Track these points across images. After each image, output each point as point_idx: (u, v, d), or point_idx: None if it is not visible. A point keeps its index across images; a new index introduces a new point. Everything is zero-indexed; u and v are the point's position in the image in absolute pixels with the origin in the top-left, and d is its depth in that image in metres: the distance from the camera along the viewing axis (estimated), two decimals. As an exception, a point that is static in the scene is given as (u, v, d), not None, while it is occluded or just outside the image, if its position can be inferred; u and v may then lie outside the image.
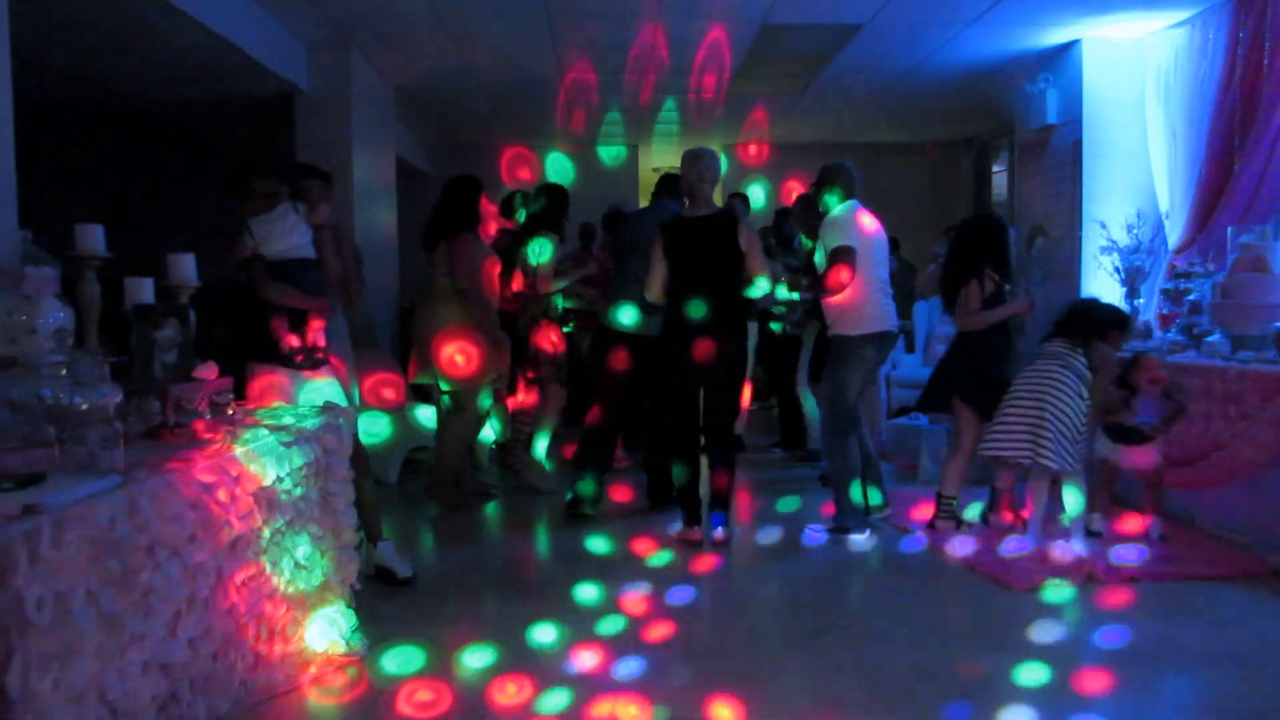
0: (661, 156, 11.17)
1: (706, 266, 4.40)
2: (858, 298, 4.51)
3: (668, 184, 5.52)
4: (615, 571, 4.09)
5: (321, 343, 3.85)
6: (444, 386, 5.15)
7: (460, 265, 4.94)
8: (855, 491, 4.56)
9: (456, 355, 5.00)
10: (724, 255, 4.41)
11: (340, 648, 3.07)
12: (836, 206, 4.62)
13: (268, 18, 5.82)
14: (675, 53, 6.72)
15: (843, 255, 4.45)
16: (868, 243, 4.55)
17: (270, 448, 2.75)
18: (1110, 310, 4.45)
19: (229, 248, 3.84)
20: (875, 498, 4.81)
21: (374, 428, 5.69)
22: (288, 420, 3.02)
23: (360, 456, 3.44)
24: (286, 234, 3.85)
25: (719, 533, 4.43)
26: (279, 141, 6.65)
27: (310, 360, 3.80)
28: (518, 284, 5.51)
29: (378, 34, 6.21)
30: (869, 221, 4.62)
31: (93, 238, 2.92)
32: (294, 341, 3.74)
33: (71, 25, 5.22)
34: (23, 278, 2.61)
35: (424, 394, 6.42)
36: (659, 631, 3.37)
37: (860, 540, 4.48)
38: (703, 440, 4.59)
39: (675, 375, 4.50)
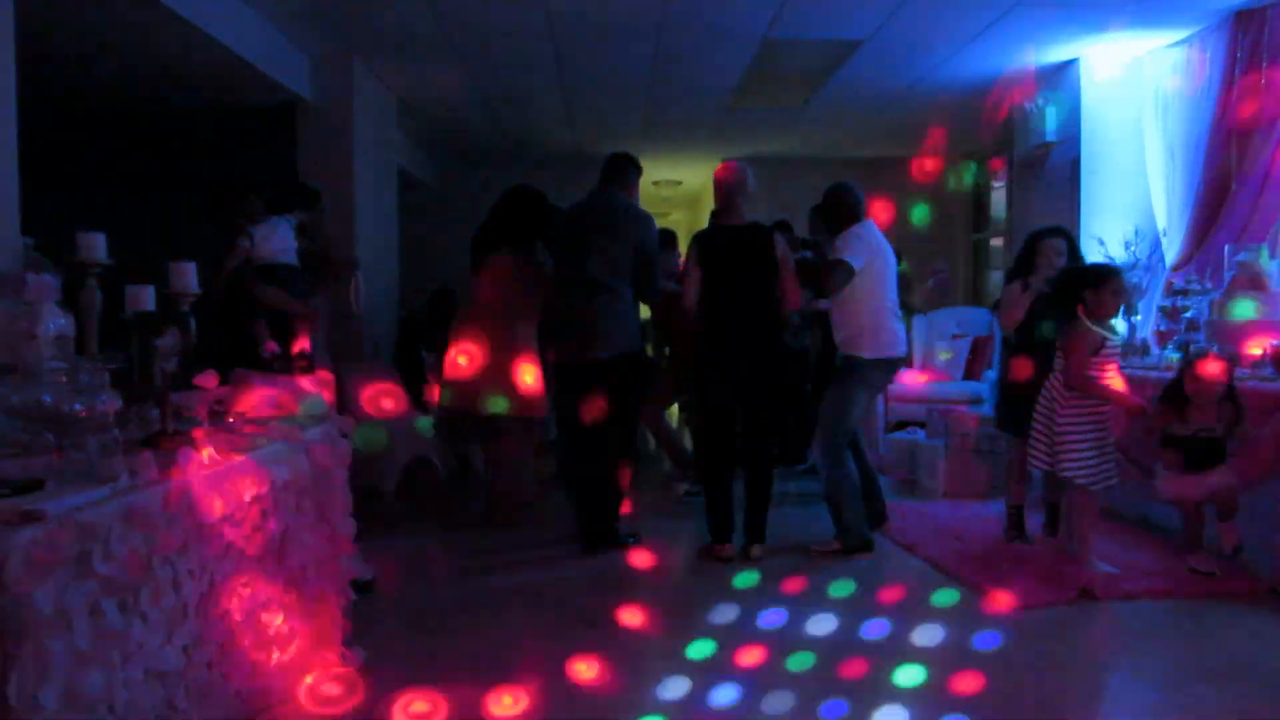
0: (663, 170, 11.20)
1: (742, 278, 4.36)
2: (872, 320, 4.46)
3: (617, 169, 4.69)
4: (612, 586, 4.10)
5: (306, 349, 3.91)
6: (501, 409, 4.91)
7: (542, 277, 4.84)
8: (855, 510, 4.51)
9: (528, 377, 4.89)
10: (760, 267, 4.38)
11: (336, 658, 3.07)
12: (846, 227, 4.57)
13: (272, 29, 5.85)
14: (677, 67, 6.76)
15: (838, 267, 4.43)
16: (877, 263, 4.49)
17: (268, 456, 2.75)
18: (1087, 269, 4.15)
19: (223, 253, 3.92)
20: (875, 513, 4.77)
21: (372, 437, 5.68)
22: (286, 429, 3.01)
23: None
24: (281, 239, 4.00)
25: (756, 550, 4.40)
26: (281, 151, 6.68)
27: (287, 366, 3.86)
28: None
29: (381, 45, 6.24)
30: (882, 242, 4.56)
31: (94, 245, 2.93)
32: (273, 347, 3.82)
33: (77, 34, 5.25)
34: (24, 284, 2.62)
35: (423, 406, 6.42)
36: (655, 646, 3.36)
37: (861, 557, 4.47)
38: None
39: (708, 388, 4.46)
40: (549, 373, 4.91)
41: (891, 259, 4.63)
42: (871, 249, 4.48)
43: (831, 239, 4.65)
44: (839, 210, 4.59)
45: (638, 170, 4.74)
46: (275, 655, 2.80)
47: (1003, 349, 4.66)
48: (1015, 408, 4.42)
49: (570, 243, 4.57)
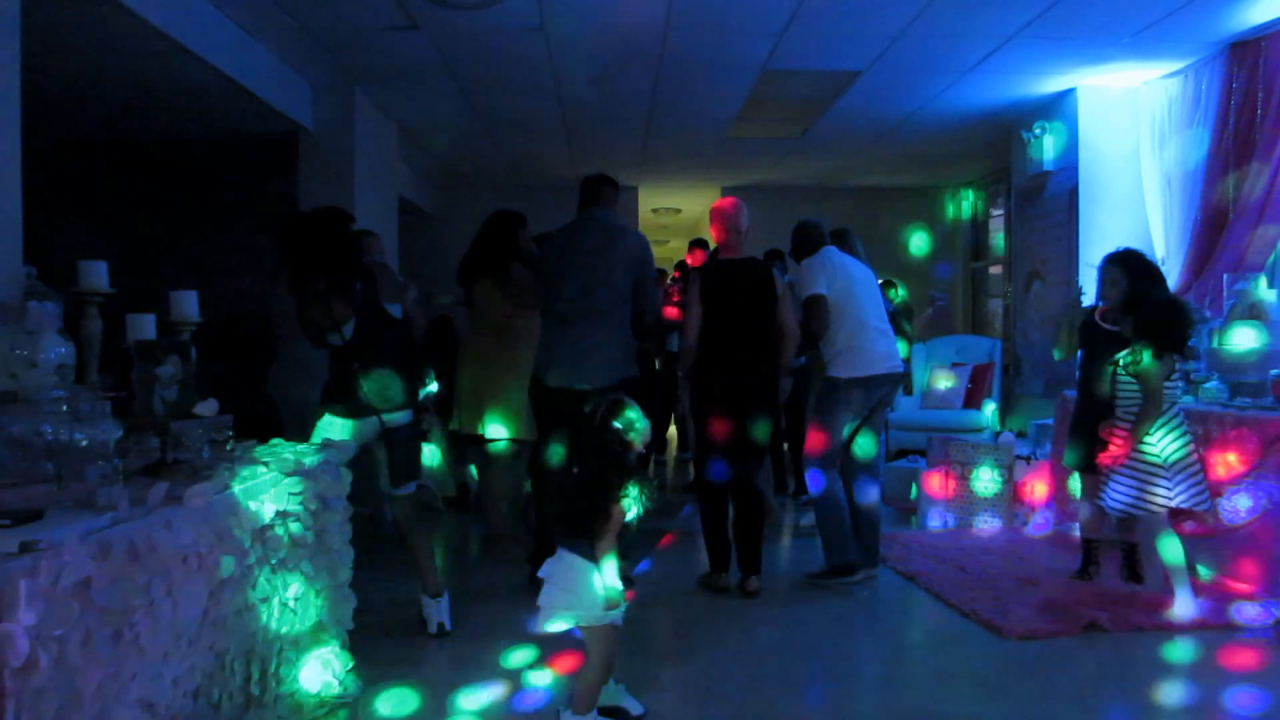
0: (661, 198, 11.26)
1: (743, 311, 4.35)
2: (847, 339, 4.45)
3: (596, 190, 4.48)
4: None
5: None
6: (512, 434, 4.95)
7: (526, 298, 4.76)
8: (839, 532, 4.43)
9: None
10: (761, 300, 4.38)
11: (334, 689, 3.03)
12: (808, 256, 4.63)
13: (275, 59, 5.89)
14: (676, 97, 6.81)
15: (811, 304, 4.44)
16: (846, 284, 4.50)
17: (267, 485, 2.74)
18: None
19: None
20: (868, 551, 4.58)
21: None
22: (286, 458, 3.00)
23: None
24: None
25: (752, 583, 4.31)
26: (283, 179, 6.71)
27: None
28: None
29: (382, 75, 6.28)
30: (845, 264, 4.60)
31: (96, 274, 2.94)
32: None
33: (81, 64, 5.28)
34: (25, 313, 2.62)
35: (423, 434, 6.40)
36: (657, 674, 3.33)
37: (853, 585, 4.42)
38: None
39: (706, 421, 4.40)
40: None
41: (862, 275, 4.64)
42: (830, 271, 4.52)
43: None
44: (798, 246, 4.73)
45: (615, 188, 4.56)
46: (272, 687, 2.77)
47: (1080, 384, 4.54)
48: (1087, 443, 4.32)
49: (561, 267, 4.35)
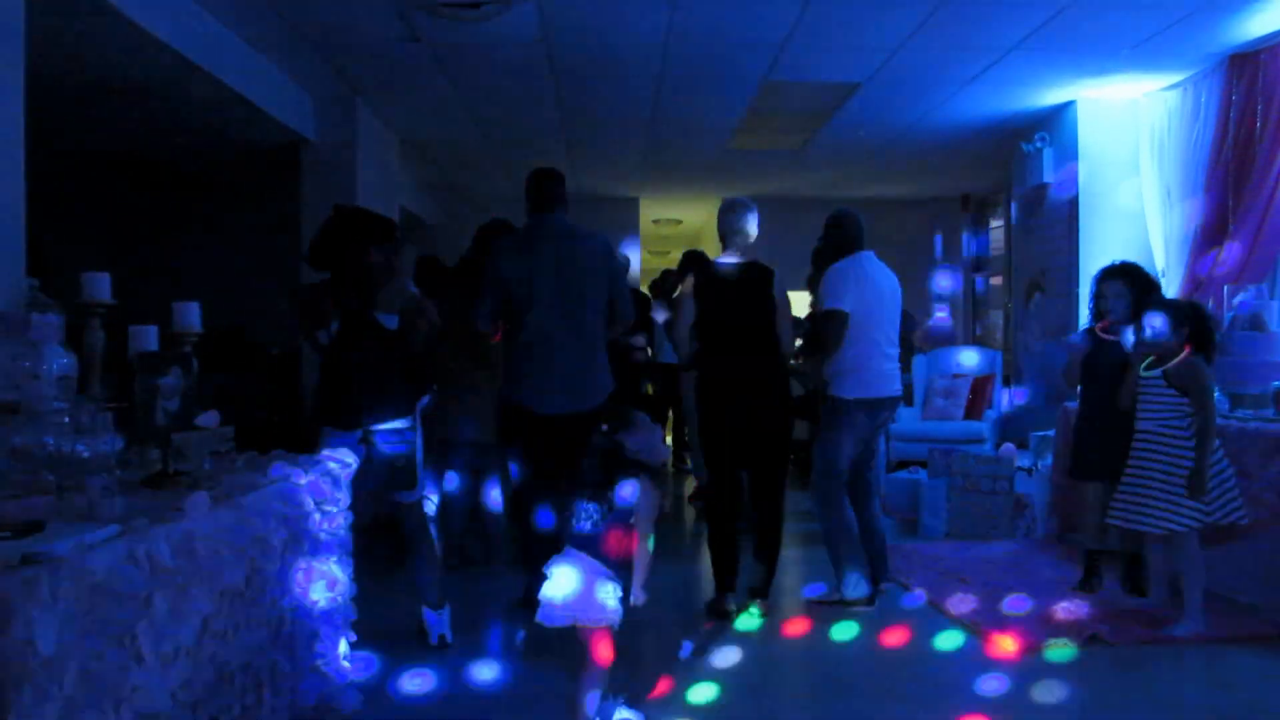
0: (663, 208, 11.28)
1: (742, 316, 4.23)
2: (855, 360, 4.27)
3: (553, 190, 4.18)
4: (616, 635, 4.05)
5: None
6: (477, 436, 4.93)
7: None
8: (852, 556, 4.31)
9: None
10: (760, 305, 4.24)
11: (334, 701, 3.03)
12: (841, 258, 4.37)
13: (277, 70, 5.91)
14: (677, 108, 6.83)
15: (831, 320, 4.25)
16: (869, 300, 4.29)
17: (267, 496, 2.74)
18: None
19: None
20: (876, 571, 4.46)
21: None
22: (285, 469, 3.00)
23: None
24: None
25: (761, 606, 4.22)
26: (285, 190, 6.73)
27: None
28: None
29: (384, 87, 6.31)
30: (875, 276, 4.38)
31: (98, 286, 2.94)
32: None
33: (84, 76, 5.30)
34: (28, 325, 2.63)
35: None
36: (662, 690, 3.32)
37: (860, 602, 4.40)
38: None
39: (710, 434, 4.31)
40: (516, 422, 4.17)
41: (887, 290, 4.41)
42: (859, 284, 4.28)
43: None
44: (832, 244, 4.46)
45: (564, 185, 4.27)
46: (270, 698, 2.76)
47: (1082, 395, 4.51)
48: (1092, 453, 4.33)
49: (532, 282, 4.01)
